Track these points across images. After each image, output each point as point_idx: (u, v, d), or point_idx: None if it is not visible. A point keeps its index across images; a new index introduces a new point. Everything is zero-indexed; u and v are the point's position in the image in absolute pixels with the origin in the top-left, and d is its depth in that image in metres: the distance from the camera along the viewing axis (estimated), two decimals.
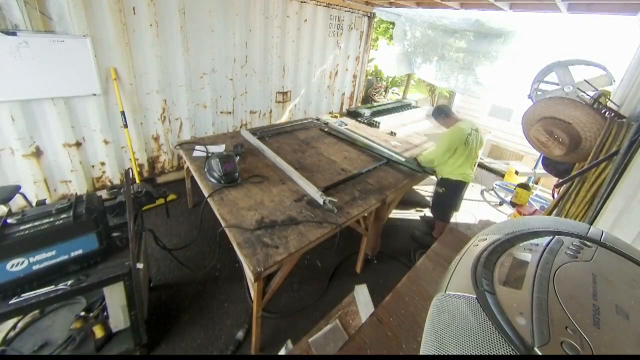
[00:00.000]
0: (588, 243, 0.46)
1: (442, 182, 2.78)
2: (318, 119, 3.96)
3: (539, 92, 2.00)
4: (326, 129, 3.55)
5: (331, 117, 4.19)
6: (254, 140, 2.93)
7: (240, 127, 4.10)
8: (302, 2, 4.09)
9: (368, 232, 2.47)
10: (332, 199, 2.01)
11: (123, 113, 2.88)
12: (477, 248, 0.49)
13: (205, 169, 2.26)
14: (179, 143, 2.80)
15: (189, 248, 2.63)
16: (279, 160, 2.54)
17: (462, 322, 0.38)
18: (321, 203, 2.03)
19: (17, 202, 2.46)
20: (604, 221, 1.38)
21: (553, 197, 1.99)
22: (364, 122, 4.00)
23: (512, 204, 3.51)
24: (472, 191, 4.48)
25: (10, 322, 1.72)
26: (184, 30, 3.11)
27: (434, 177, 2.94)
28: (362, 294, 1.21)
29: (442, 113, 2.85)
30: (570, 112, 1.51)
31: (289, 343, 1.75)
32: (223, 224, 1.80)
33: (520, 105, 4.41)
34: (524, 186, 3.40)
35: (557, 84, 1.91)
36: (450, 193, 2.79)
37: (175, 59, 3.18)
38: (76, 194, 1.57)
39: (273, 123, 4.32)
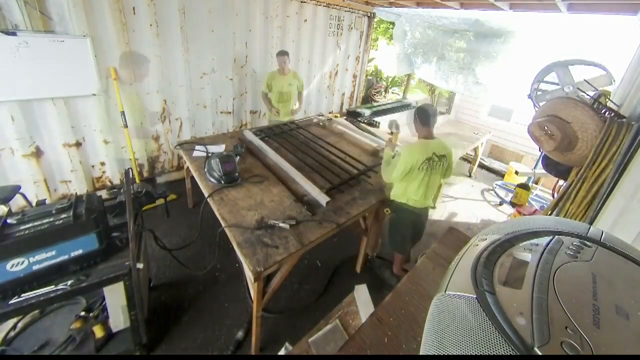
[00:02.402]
0: (588, 243, 0.46)
1: (392, 205, 2.30)
2: (322, 115, 3.99)
3: (539, 92, 2.00)
4: (325, 127, 3.56)
5: (332, 116, 4.19)
6: (257, 141, 2.91)
7: (240, 127, 4.10)
8: (302, 2, 4.08)
9: (368, 232, 2.47)
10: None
11: (123, 113, 2.88)
12: (477, 248, 0.49)
13: (205, 169, 2.26)
14: (179, 143, 2.80)
15: (189, 248, 2.62)
16: (281, 160, 2.54)
17: (462, 322, 0.38)
18: (323, 204, 2.03)
19: (17, 202, 2.46)
20: (604, 221, 1.38)
21: (553, 197, 1.99)
22: (364, 122, 4.00)
23: (512, 204, 3.52)
24: (472, 191, 4.48)
25: (10, 322, 1.72)
26: (184, 30, 3.11)
27: None
28: (362, 294, 1.21)
29: (418, 117, 2.12)
30: (570, 112, 1.51)
31: (289, 343, 1.75)
32: (223, 224, 1.80)
33: (520, 105, 4.42)
34: (524, 186, 3.41)
35: (557, 84, 1.91)
36: (400, 219, 2.31)
37: (175, 59, 3.18)
38: (76, 194, 1.57)
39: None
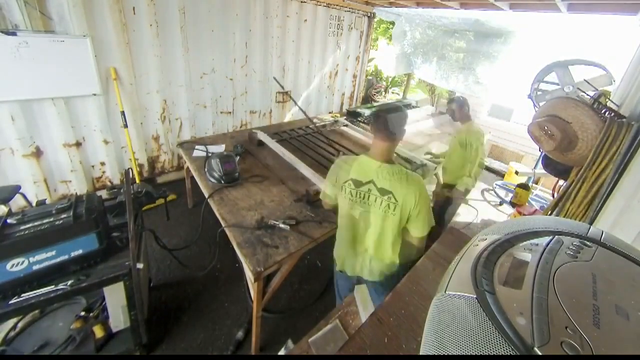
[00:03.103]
0: (588, 243, 0.46)
1: (450, 189, 2.63)
2: (336, 120, 3.79)
3: (539, 92, 2.00)
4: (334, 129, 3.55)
5: (331, 117, 4.19)
6: (274, 145, 2.79)
7: (240, 127, 4.10)
8: (302, 2, 4.09)
9: None
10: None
11: (123, 113, 2.88)
12: (477, 248, 0.49)
13: (205, 169, 2.26)
14: (179, 143, 2.80)
15: (189, 248, 2.63)
16: (294, 159, 2.51)
17: (462, 322, 0.38)
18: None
19: (17, 202, 2.46)
20: (604, 221, 1.37)
21: (553, 197, 1.99)
22: (364, 122, 4.00)
23: (512, 204, 3.52)
24: (472, 191, 4.48)
25: (11, 322, 1.72)
26: (184, 30, 3.11)
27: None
28: (362, 294, 1.21)
29: (458, 103, 2.42)
30: (570, 112, 1.51)
31: (289, 343, 1.75)
32: (223, 224, 1.80)
33: (520, 105, 4.42)
34: (524, 186, 3.42)
35: (557, 84, 1.91)
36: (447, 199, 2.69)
37: (175, 59, 3.18)
38: (76, 194, 1.57)
39: (273, 123, 4.32)
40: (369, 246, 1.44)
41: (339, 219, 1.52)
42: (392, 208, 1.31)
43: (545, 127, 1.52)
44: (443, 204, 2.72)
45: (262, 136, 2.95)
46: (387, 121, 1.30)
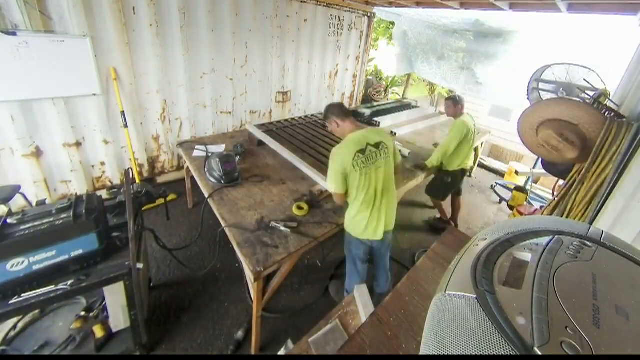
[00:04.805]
0: (588, 243, 0.46)
1: (449, 173, 2.93)
2: (322, 113, 3.99)
3: (535, 93, 2.00)
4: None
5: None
6: (274, 144, 2.81)
7: (240, 127, 4.10)
8: (302, 2, 4.08)
9: None
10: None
11: (123, 113, 2.88)
12: (477, 248, 0.49)
13: (205, 169, 2.26)
14: (179, 143, 2.80)
15: (189, 248, 2.63)
16: (293, 157, 2.56)
17: (462, 322, 0.38)
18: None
19: (17, 202, 2.46)
20: (604, 221, 1.37)
21: (553, 197, 1.99)
22: (363, 122, 4.00)
23: (509, 207, 3.57)
24: (472, 191, 4.48)
25: (11, 322, 1.72)
26: (184, 30, 3.11)
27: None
28: (362, 294, 1.21)
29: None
30: (574, 113, 1.50)
31: (289, 343, 1.75)
32: (223, 224, 1.80)
33: (520, 105, 4.41)
34: (521, 189, 3.48)
35: (554, 84, 1.91)
36: (454, 181, 3.02)
37: (175, 59, 3.18)
38: (76, 194, 1.57)
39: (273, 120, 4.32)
40: (385, 192, 1.77)
41: (355, 192, 1.71)
42: (387, 152, 1.76)
43: (562, 134, 1.48)
44: (437, 180, 3.14)
45: (251, 128, 3.10)
46: (341, 106, 1.82)
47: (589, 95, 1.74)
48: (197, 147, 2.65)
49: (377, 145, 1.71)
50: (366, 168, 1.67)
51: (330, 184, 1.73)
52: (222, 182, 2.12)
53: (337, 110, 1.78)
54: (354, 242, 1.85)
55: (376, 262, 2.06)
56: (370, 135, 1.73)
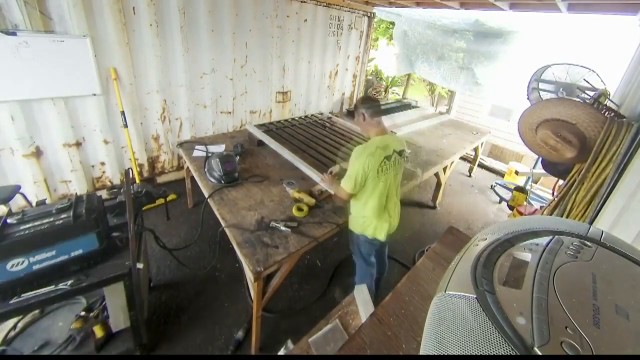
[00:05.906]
0: (588, 243, 0.46)
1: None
2: (322, 113, 4.07)
3: (535, 93, 2.00)
4: (328, 125, 3.57)
5: (318, 113, 4.26)
6: (274, 144, 2.80)
7: (240, 127, 4.10)
8: (302, 2, 4.08)
9: None
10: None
11: (123, 113, 2.88)
12: (477, 248, 0.49)
13: (205, 169, 2.26)
14: (179, 143, 2.80)
15: (189, 248, 2.63)
16: (294, 157, 2.55)
17: (462, 322, 0.38)
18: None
19: (17, 202, 2.46)
20: (604, 221, 1.38)
21: (553, 197, 1.99)
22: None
23: (509, 207, 3.57)
24: (472, 191, 4.48)
25: (11, 322, 1.72)
26: (183, 30, 3.11)
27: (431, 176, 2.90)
28: (362, 294, 1.21)
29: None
30: (572, 113, 1.50)
31: (289, 343, 1.75)
32: (223, 224, 1.80)
33: (520, 105, 4.42)
34: (521, 190, 3.48)
35: (554, 84, 1.91)
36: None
37: (175, 59, 3.18)
38: (76, 194, 1.57)
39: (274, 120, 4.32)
40: (396, 195, 1.84)
41: (369, 195, 1.70)
42: (406, 160, 1.94)
43: (559, 134, 1.48)
44: None
45: (251, 128, 3.10)
46: (377, 104, 1.75)
47: (589, 95, 1.74)
48: (197, 147, 2.65)
49: (400, 153, 1.75)
50: (386, 174, 1.68)
51: (348, 182, 1.65)
52: (222, 182, 2.12)
53: (372, 105, 1.71)
54: (362, 243, 1.86)
55: (376, 255, 2.07)
56: (394, 142, 1.73)
